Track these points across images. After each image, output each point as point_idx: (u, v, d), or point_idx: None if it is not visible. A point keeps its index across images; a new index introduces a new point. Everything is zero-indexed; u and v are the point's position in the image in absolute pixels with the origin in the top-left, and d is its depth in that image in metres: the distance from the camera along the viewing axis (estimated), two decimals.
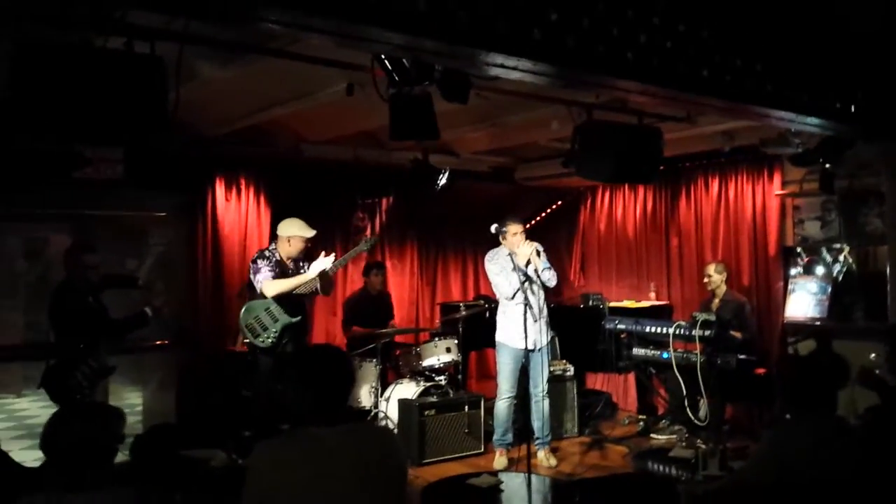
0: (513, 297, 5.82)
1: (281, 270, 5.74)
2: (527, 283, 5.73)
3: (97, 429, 2.62)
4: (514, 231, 5.89)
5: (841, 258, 6.76)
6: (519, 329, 5.51)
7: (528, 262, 5.79)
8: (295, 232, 5.77)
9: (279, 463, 2.39)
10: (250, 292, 5.83)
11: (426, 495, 5.13)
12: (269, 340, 5.62)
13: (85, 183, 5.76)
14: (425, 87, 3.79)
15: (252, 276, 5.77)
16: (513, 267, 5.76)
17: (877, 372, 3.85)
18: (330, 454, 2.41)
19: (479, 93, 4.57)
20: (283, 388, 2.65)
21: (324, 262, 5.72)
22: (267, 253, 5.80)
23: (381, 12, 2.87)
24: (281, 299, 5.67)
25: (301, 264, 5.88)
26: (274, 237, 5.92)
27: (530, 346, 5.64)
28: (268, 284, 5.62)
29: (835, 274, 6.79)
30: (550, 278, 5.93)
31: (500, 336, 6.07)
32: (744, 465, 3.94)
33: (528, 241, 5.86)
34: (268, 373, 5.70)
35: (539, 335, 5.92)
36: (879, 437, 3.25)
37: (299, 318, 5.77)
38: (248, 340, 5.72)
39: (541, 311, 6.00)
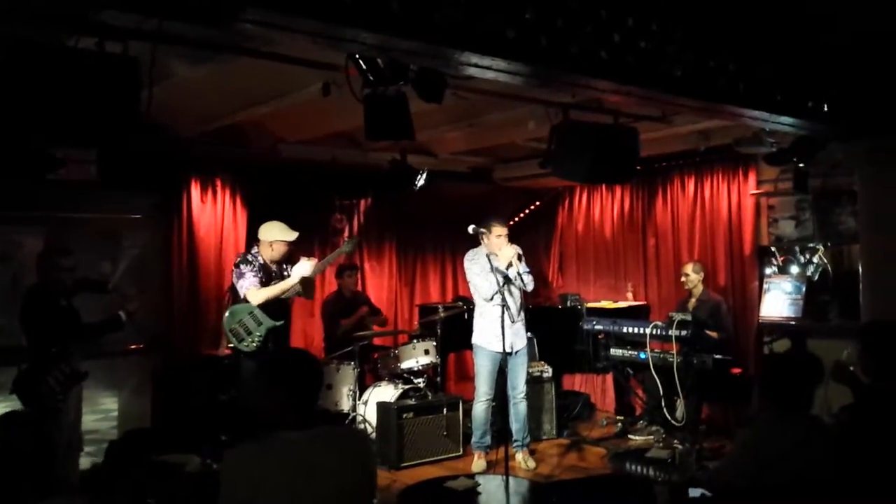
0: (491, 299, 5.82)
1: (265, 275, 5.70)
2: (505, 285, 5.73)
3: (28, 438, 2.53)
4: (499, 233, 5.89)
5: (815, 258, 6.83)
6: (496, 331, 5.51)
7: (510, 265, 5.78)
8: (277, 236, 5.72)
9: (251, 469, 2.37)
10: (233, 296, 5.78)
11: (403, 499, 5.11)
12: (254, 344, 5.58)
13: (58, 184, 5.66)
14: (400, 87, 3.78)
15: (235, 281, 5.71)
16: (491, 268, 5.75)
17: (851, 368, 3.87)
18: (302, 459, 2.41)
19: (455, 92, 4.57)
20: (255, 393, 2.67)
21: (305, 267, 5.64)
22: (250, 257, 5.74)
23: (354, 12, 2.86)
24: (264, 303, 5.63)
25: (284, 267, 5.82)
26: (255, 241, 5.87)
27: (507, 349, 5.63)
28: (252, 293, 5.57)
29: (809, 273, 6.85)
30: (529, 283, 5.94)
31: (476, 339, 6.07)
32: (719, 464, 3.95)
33: (510, 243, 5.86)
34: (250, 377, 5.65)
35: (516, 337, 5.92)
36: (854, 436, 3.28)
37: (282, 321, 5.74)
38: (232, 345, 5.67)
39: (518, 312, 6.01)
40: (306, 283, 5.71)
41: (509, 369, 5.97)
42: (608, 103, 5.14)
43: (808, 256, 6.89)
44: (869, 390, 3.67)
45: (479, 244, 5.99)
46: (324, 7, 2.80)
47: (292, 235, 5.76)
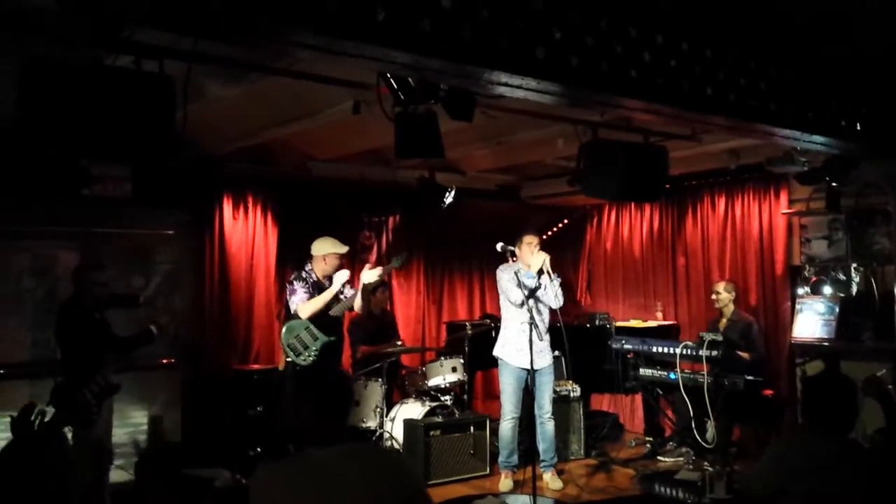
0: (521, 305, 5.79)
1: (318, 291, 5.83)
2: (531, 302, 5.72)
3: (36, 465, 2.43)
4: (530, 241, 5.93)
5: (849, 277, 6.72)
6: (519, 345, 5.51)
7: (542, 272, 5.79)
8: (329, 250, 5.88)
9: (279, 487, 2.39)
10: (288, 313, 5.89)
11: None
12: (310, 358, 5.70)
13: (93, 200, 5.80)
14: (430, 106, 3.81)
15: (288, 298, 5.85)
16: (518, 283, 5.75)
17: (889, 387, 3.80)
18: (329, 477, 2.41)
19: (484, 111, 4.59)
20: (286, 409, 2.68)
21: (368, 275, 5.79)
22: (304, 274, 5.90)
23: (386, 32, 2.89)
24: (317, 319, 5.76)
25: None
26: (308, 257, 5.98)
27: (531, 366, 5.62)
28: (301, 307, 5.73)
29: (842, 294, 6.74)
30: (559, 295, 5.92)
31: (499, 351, 6.07)
32: (749, 471, 3.87)
33: (540, 251, 5.88)
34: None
35: (541, 356, 5.90)
36: (887, 458, 3.22)
37: (335, 337, 5.87)
38: (290, 359, 5.75)
39: (546, 332, 5.99)
40: (365, 294, 5.88)
41: (536, 388, 5.94)
42: (637, 122, 5.14)
43: (841, 276, 6.78)
44: None
45: (507, 261, 5.99)
46: (356, 27, 2.83)
47: (343, 249, 5.96)
